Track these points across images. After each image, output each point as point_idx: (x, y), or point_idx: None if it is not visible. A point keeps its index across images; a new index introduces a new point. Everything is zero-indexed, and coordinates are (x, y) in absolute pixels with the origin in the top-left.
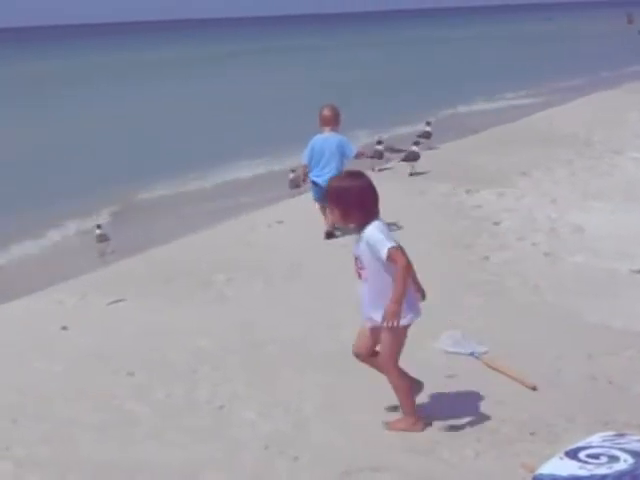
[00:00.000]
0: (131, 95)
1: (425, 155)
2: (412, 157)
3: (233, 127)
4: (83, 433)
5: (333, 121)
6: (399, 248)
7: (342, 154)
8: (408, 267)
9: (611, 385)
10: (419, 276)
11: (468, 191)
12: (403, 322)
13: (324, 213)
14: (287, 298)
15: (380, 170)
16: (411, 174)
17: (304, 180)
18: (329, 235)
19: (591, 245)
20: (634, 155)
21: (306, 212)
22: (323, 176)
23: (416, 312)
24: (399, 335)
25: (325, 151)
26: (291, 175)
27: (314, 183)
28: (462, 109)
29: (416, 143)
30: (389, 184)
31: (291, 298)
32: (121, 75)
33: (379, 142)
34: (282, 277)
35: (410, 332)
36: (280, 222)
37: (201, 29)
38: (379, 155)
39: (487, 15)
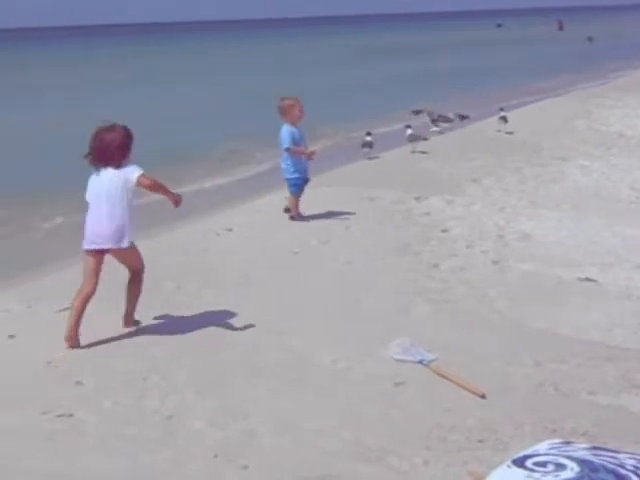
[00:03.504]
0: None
1: (374, 161)
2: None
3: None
4: (28, 442)
5: (280, 114)
6: None
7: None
8: None
9: (558, 392)
10: (369, 283)
11: (417, 198)
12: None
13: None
14: (236, 307)
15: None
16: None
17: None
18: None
19: (539, 253)
20: (581, 162)
21: (254, 220)
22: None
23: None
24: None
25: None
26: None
27: None
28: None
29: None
30: (339, 190)
31: (240, 306)
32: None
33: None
34: (231, 285)
35: (359, 339)
36: (229, 230)
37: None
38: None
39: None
